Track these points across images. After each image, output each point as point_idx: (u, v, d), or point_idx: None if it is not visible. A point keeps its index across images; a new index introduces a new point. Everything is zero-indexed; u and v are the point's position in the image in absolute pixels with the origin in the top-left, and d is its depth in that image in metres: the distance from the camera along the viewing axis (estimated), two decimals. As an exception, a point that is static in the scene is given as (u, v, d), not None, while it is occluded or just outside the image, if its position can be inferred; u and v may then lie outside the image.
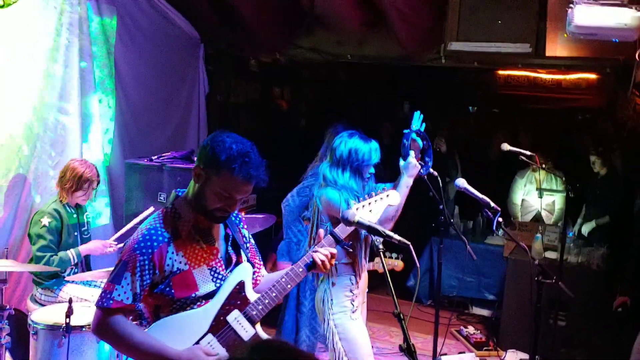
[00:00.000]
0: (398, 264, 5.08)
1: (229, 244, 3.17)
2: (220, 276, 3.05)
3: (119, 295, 2.85)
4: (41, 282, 5.07)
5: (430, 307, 7.33)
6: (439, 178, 4.40)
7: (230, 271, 3.11)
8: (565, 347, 5.99)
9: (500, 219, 4.21)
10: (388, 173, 4.44)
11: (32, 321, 4.35)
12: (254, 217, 5.86)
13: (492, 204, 4.19)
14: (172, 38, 7.25)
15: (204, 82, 7.79)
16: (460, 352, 6.30)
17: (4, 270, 4.46)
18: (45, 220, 4.95)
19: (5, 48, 5.14)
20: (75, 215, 5.23)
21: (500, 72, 10.72)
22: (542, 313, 4.40)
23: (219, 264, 3.06)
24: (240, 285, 3.10)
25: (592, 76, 9.71)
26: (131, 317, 3.02)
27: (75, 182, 5.10)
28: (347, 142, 4.08)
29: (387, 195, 3.48)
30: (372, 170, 4.14)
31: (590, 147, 7.15)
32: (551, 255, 6.48)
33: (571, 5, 4.05)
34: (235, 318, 3.05)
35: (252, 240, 3.41)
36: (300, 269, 3.17)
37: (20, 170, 5.44)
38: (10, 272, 4.61)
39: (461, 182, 4.27)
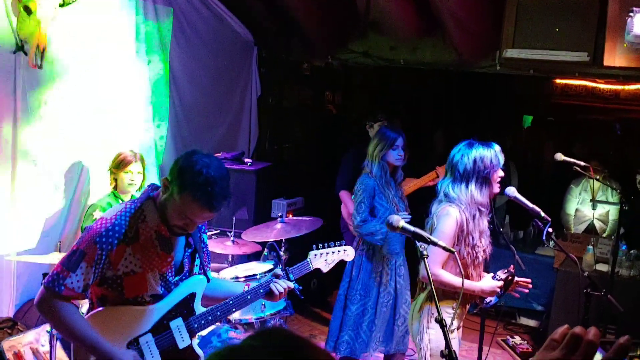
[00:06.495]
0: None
1: (188, 252, 3.21)
2: (168, 282, 3.10)
3: (71, 283, 2.89)
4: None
5: (476, 316, 7.24)
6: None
7: (181, 280, 3.16)
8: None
9: (551, 229, 4.13)
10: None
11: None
12: (301, 219, 5.88)
13: (543, 214, 4.11)
14: (226, 40, 7.32)
15: (257, 85, 7.84)
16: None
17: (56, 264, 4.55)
18: (98, 214, 4.94)
19: (62, 48, 5.27)
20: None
21: (558, 81, 10.55)
22: (589, 326, 4.30)
23: (169, 271, 3.10)
24: (192, 296, 3.17)
25: (653, 87, 9.49)
26: None
27: (116, 162, 5.17)
28: (469, 153, 3.90)
29: (345, 251, 3.68)
30: (502, 173, 3.99)
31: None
32: (602, 267, 6.35)
33: (631, 14, 3.95)
34: (177, 326, 3.11)
35: (207, 244, 3.49)
36: (249, 297, 3.24)
37: (76, 164, 5.56)
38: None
39: (511, 191, 4.19)
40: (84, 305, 3.30)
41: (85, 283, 2.90)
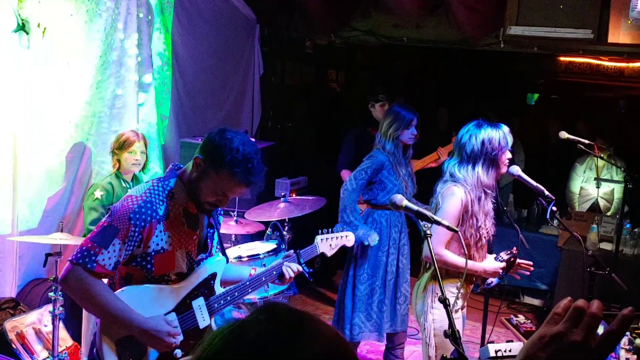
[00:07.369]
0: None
1: (210, 232, 3.24)
2: (192, 261, 3.13)
3: (103, 260, 2.86)
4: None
5: (480, 295, 7.23)
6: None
7: (203, 259, 3.19)
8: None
9: (555, 208, 4.11)
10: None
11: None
12: (304, 198, 5.87)
13: (547, 192, 4.09)
14: (229, 18, 7.26)
15: (259, 64, 7.79)
16: (508, 341, 6.21)
17: (59, 244, 4.56)
18: (99, 194, 4.92)
19: (63, 27, 5.23)
20: (129, 189, 5.25)
21: (562, 58, 10.48)
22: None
23: (193, 250, 3.12)
24: (213, 276, 3.20)
25: (657, 64, 9.42)
26: None
27: (119, 143, 5.07)
28: (478, 134, 3.84)
29: (346, 236, 3.81)
30: (510, 155, 3.95)
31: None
32: (606, 246, 6.34)
33: (635, -11, 3.90)
34: (199, 305, 3.14)
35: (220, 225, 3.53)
36: (264, 278, 3.30)
37: (78, 144, 5.53)
38: (66, 245, 4.69)
39: (515, 170, 4.17)
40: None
41: (116, 260, 2.88)
